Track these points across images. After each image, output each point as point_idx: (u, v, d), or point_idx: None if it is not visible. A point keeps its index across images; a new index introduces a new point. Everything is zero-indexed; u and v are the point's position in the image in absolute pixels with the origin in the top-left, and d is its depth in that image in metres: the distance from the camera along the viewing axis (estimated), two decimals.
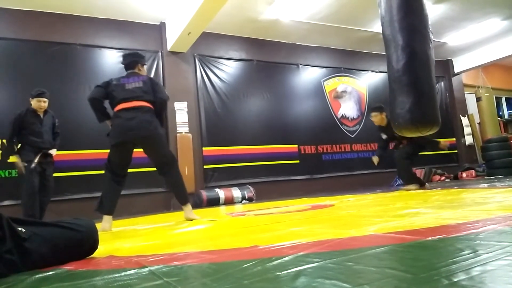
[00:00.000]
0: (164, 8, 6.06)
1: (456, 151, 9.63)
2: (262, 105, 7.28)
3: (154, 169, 3.31)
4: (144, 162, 3.29)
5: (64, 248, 1.43)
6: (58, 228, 1.45)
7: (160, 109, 3.20)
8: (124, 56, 3.38)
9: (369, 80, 8.72)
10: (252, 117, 7.11)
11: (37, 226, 1.42)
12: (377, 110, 4.77)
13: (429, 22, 2.35)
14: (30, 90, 4.68)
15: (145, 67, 3.43)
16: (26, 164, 4.23)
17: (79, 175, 5.48)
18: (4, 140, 4.88)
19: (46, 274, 1.28)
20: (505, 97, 11.65)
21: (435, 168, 8.31)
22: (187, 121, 6.38)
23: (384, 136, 4.87)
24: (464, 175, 8.06)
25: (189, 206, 3.23)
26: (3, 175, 4.97)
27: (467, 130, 9.74)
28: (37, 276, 1.25)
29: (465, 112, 9.92)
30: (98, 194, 5.48)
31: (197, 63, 6.78)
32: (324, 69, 8.16)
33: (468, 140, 9.72)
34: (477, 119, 10.06)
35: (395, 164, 4.95)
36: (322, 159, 7.74)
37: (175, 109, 6.29)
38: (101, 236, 1.62)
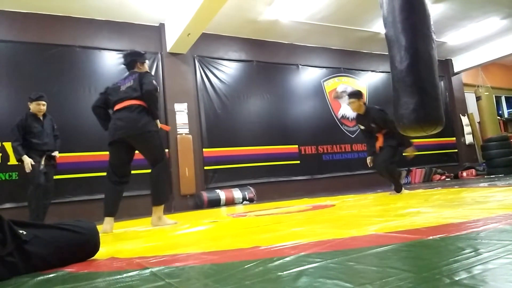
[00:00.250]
0: (163, 10, 6.06)
1: (456, 150, 9.64)
2: (262, 105, 7.28)
3: None
4: (144, 163, 3.27)
5: (65, 250, 1.43)
6: (60, 230, 1.45)
7: (148, 102, 3.08)
8: (124, 56, 3.39)
9: (369, 80, 8.73)
10: (252, 118, 7.11)
11: (38, 228, 1.42)
12: (354, 96, 4.48)
13: (431, 22, 2.36)
14: (29, 92, 4.68)
15: (147, 63, 3.39)
16: (32, 167, 4.26)
17: (79, 177, 5.48)
18: (4, 143, 4.90)
19: (47, 276, 1.28)
20: (505, 96, 11.65)
21: (436, 168, 8.33)
22: (187, 122, 6.38)
23: (361, 127, 4.57)
24: (464, 174, 8.07)
25: (158, 211, 3.10)
26: (3, 178, 4.97)
27: (467, 129, 9.74)
28: (39, 278, 1.25)
29: (465, 112, 9.92)
30: (99, 196, 5.54)
31: (197, 64, 6.78)
32: (324, 69, 8.16)
33: (468, 139, 9.72)
34: (477, 118, 10.06)
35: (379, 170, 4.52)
36: (322, 160, 7.74)
37: (175, 110, 6.29)
38: (102, 238, 1.62)
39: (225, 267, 1.18)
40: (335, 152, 7.90)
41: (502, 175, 6.77)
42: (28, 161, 4.20)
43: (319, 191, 7.08)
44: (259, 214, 3.41)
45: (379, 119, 4.24)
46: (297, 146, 7.42)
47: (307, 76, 7.94)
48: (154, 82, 3.10)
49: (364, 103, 4.48)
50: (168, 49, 6.32)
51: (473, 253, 0.99)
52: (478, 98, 9.88)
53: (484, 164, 8.23)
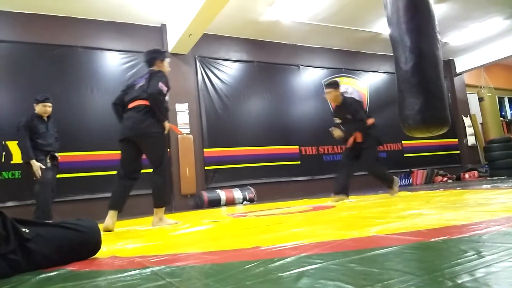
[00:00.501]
0: (165, 10, 6.09)
1: (458, 151, 9.62)
2: (263, 106, 7.28)
3: None
4: (145, 163, 3.28)
5: (67, 249, 1.44)
6: (62, 228, 1.46)
7: (152, 104, 3.07)
8: (145, 54, 3.43)
9: (370, 80, 8.72)
10: (253, 118, 7.11)
11: (40, 226, 1.43)
12: (331, 86, 4.27)
13: (436, 23, 2.35)
14: (32, 93, 4.72)
15: (167, 61, 3.38)
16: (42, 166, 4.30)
17: (81, 176, 5.51)
18: (7, 142, 4.92)
19: (49, 274, 1.28)
20: (508, 97, 11.63)
21: (437, 169, 8.31)
22: (188, 122, 6.39)
23: (337, 121, 4.36)
24: (466, 176, 8.05)
25: (159, 212, 3.12)
26: (6, 176, 4.98)
27: (469, 130, 9.72)
28: (41, 276, 1.25)
29: (467, 113, 9.90)
30: (101, 195, 5.60)
31: (198, 64, 6.79)
32: (325, 69, 8.16)
33: (471, 140, 9.70)
34: (479, 120, 10.03)
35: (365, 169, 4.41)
36: (323, 160, 7.73)
37: (176, 110, 6.30)
38: (103, 236, 1.63)
39: (226, 267, 1.18)
40: (336, 152, 7.89)
41: (505, 177, 6.74)
42: (37, 166, 4.23)
43: (319, 191, 7.07)
44: (260, 214, 3.40)
45: (354, 108, 4.17)
46: (297, 146, 7.41)
47: (308, 76, 7.93)
48: (160, 85, 3.06)
49: (341, 94, 4.30)
50: (170, 49, 6.34)
51: (475, 255, 0.98)
52: (480, 99, 9.85)
53: (486, 165, 8.21)
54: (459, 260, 0.95)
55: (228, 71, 7.05)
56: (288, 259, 1.17)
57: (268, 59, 7.47)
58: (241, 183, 6.58)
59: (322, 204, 3.89)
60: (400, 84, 2.37)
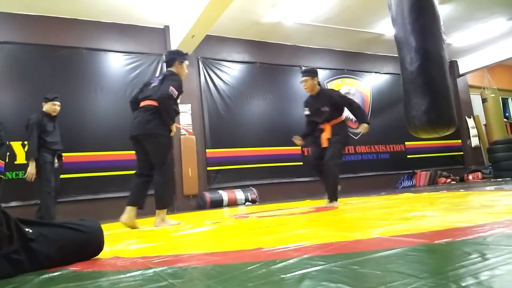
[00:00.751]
0: (168, 12, 6.12)
1: (462, 153, 9.58)
2: (265, 107, 7.28)
3: None
4: None
5: (70, 249, 1.44)
6: (65, 229, 1.46)
7: (161, 106, 3.12)
8: (166, 54, 3.50)
9: (373, 81, 8.71)
10: (255, 119, 7.11)
11: (44, 227, 1.43)
12: (308, 73, 3.93)
13: (441, 23, 2.34)
14: (36, 94, 4.76)
15: (186, 63, 3.42)
16: (45, 165, 4.33)
17: (85, 176, 5.53)
18: (12, 143, 4.95)
19: (52, 274, 1.28)
20: None
21: (441, 170, 8.28)
22: (190, 123, 6.41)
23: (307, 112, 4.01)
24: (470, 177, 8.02)
25: (161, 213, 3.14)
26: (10, 177, 5.00)
27: (472, 131, 9.68)
28: (44, 276, 1.26)
29: (470, 114, 9.86)
30: (104, 196, 5.61)
31: (201, 65, 6.81)
32: (327, 70, 8.16)
33: (474, 142, 9.65)
34: (483, 121, 9.99)
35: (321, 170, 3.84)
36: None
37: (179, 111, 6.31)
38: (106, 237, 1.63)
39: (228, 269, 1.18)
40: None
41: (509, 178, 6.71)
42: (32, 170, 4.26)
43: (322, 193, 7.00)
44: (262, 215, 3.40)
45: (336, 96, 3.90)
46: (300, 147, 7.40)
47: None
48: (170, 88, 3.09)
49: (318, 83, 3.99)
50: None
51: (479, 258, 0.98)
52: (484, 100, 9.80)
53: (490, 167, 8.17)
54: (463, 263, 0.94)
55: (230, 72, 7.06)
56: (290, 261, 1.17)
57: (271, 60, 7.48)
58: (243, 184, 6.58)
59: (324, 205, 3.87)
60: (405, 85, 2.36)
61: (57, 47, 5.72)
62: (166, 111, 3.12)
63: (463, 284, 0.77)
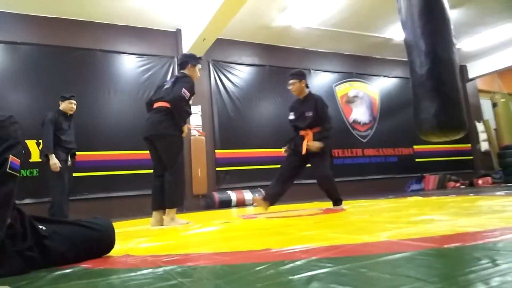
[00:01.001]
0: (180, 16, 6.20)
1: (471, 157, 9.49)
2: (274, 109, 7.29)
3: None
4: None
5: (82, 247, 1.46)
6: (77, 226, 1.48)
7: (173, 108, 3.17)
8: (180, 57, 3.59)
9: (381, 85, 8.67)
10: (264, 120, 7.13)
11: (57, 224, 1.45)
12: (295, 76, 3.76)
13: (452, 26, 2.32)
14: (52, 93, 4.86)
15: (198, 67, 3.47)
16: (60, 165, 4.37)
17: (97, 175, 5.60)
18: (27, 141, 5.03)
19: (64, 271, 1.30)
20: None
21: (450, 175, 8.20)
22: (201, 124, 6.46)
23: (291, 117, 3.88)
24: (480, 182, 7.92)
25: (170, 213, 3.16)
26: (24, 174, 5.09)
27: (482, 136, 9.57)
28: (56, 273, 1.28)
29: (480, 118, 9.76)
30: (116, 194, 5.69)
31: (211, 68, 6.86)
32: (336, 74, 8.15)
33: (484, 146, 9.54)
34: (493, 125, 9.88)
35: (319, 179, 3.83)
36: (333, 164, 7.69)
37: (191, 112, 6.38)
38: (117, 235, 1.65)
39: (236, 269, 1.19)
40: (346, 156, 7.86)
41: None
42: (55, 161, 4.30)
43: None
44: (270, 216, 3.41)
45: (321, 103, 3.72)
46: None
47: (319, 80, 7.93)
48: (183, 90, 3.14)
49: (307, 86, 3.84)
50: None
51: (490, 264, 0.96)
52: (494, 105, 9.70)
53: (501, 172, 8.06)
54: (473, 268, 0.93)
55: (240, 75, 7.10)
56: (298, 262, 1.17)
57: (280, 63, 7.49)
58: (251, 184, 6.59)
59: (332, 207, 3.87)
60: (415, 88, 2.34)
61: (73, 48, 5.83)
62: (178, 112, 3.17)
63: None
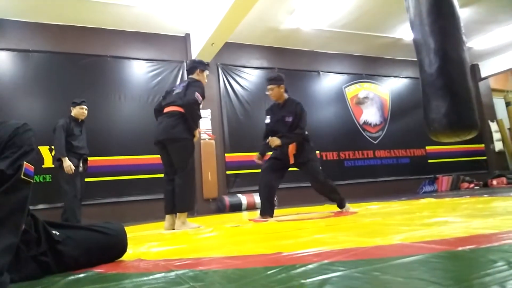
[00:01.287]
0: (189, 21, 6.26)
1: (485, 157, 9.34)
2: None
3: None
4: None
5: (95, 251, 1.47)
6: (90, 231, 1.49)
7: (187, 112, 3.22)
8: (188, 62, 3.64)
9: (392, 85, 8.61)
10: None
11: (70, 229, 1.47)
12: (273, 81, 3.65)
13: (462, 24, 2.28)
14: (64, 100, 4.94)
15: (206, 73, 3.53)
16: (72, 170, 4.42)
17: (109, 180, 5.66)
18: (40, 147, 5.11)
19: (78, 276, 1.31)
20: None
21: (463, 175, 8.09)
22: (210, 128, 6.48)
23: (267, 121, 3.76)
24: (494, 182, 7.79)
25: (181, 217, 3.18)
26: (38, 180, 5.17)
27: (496, 135, 9.43)
28: (70, 278, 1.29)
29: (493, 118, 9.61)
30: (128, 199, 5.75)
31: (220, 72, 6.90)
32: (345, 75, 8.12)
33: (498, 146, 9.39)
34: (507, 125, 9.72)
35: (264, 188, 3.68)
36: (344, 166, 7.66)
37: (201, 116, 6.42)
38: (129, 239, 1.66)
39: (248, 273, 1.19)
40: (357, 158, 7.82)
41: None
42: (69, 163, 4.36)
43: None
44: (281, 219, 3.40)
45: (300, 108, 3.61)
46: (318, 152, 7.36)
47: (328, 82, 7.91)
48: (196, 94, 3.21)
49: (286, 91, 3.74)
50: (193, 58, 6.46)
51: (506, 266, 0.94)
52: (508, 104, 9.55)
53: None
54: (488, 271, 0.92)
55: (249, 78, 7.12)
56: (310, 266, 1.16)
57: (289, 66, 7.49)
58: None
59: (340, 210, 3.84)
60: (424, 87, 2.31)
61: (84, 55, 5.93)
62: (192, 116, 3.23)
63: None
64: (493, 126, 9.47)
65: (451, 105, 2.15)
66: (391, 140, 8.20)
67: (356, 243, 1.58)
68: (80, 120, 4.70)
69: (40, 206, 5.08)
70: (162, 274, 1.24)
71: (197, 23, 6.24)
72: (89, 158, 4.85)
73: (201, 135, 6.33)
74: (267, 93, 3.77)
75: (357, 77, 8.25)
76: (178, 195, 3.19)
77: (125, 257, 1.62)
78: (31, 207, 1.31)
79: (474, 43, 8.22)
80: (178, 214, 3.19)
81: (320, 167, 3.74)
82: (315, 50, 7.87)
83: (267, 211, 3.62)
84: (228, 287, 1.02)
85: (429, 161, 8.55)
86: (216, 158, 6.41)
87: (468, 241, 1.40)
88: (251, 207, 6.10)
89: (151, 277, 1.22)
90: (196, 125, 3.29)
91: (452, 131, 2.15)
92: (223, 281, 1.11)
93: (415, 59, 2.50)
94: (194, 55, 6.42)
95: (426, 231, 1.78)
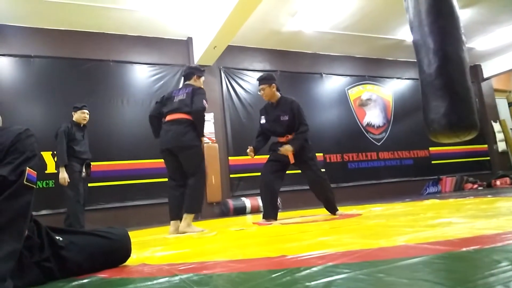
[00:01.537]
0: (191, 24, 6.28)
1: (488, 158, 9.31)
2: None
3: None
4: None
5: (99, 256, 1.47)
6: (94, 236, 1.49)
7: (196, 119, 3.27)
8: (185, 68, 3.64)
9: (395, 87, 8.60)
10: None
11: (73, 234, 1.47)
12: (264, 81, 3.60)
13: (461, 24, 2.28)
14: (66, 105, 4.96)
15: (203, 79, 3.57)
16: (73, 174, 4.43)
17: (112, 185, 5.68)
18: (42, 153, 5.12)
19: (81, 281, 1.31)
20: None
21: (467, 176, 8.05)
22: (213, 131, 6.49)
23: (263, 121, 3.73)
24: (498, 182, 7.75)
25: (188, 218, 3.20)
26: (41, 186, 5.19)
27: (499, 136, 9.40)
28: (73, 283, 1.29)
29: (496, 118, 9.58)
30: (131, 203, 5.74)
31: (223, 75, 6.92)
32: (348, 77, 8.12)
33: (501, 146, 9.36)
34: (509, 125, 9.69)
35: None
36: (348, 168, 7.65)
37: None
38: (133, 244, 1.66)
39: (252, 276, 1.18)
40: (360, 160, 7.80)
41: None
42: (64, 175, 4.36)
43: (344, 199, 6.96)
44: (285, 222, 3.40)
45: (297, 106, 3.57)
46: (322, 154, 7.36)
47: (331, 84, 7.91)
48: (204, 101, 3.27)
49: (278, 89, 3.70)
50: (196, 61, 6.49)
51: (510, 266, 0.94)
52: (510, 104, 9.52)
53: None
54: (492, 271, 0.91)
55: (251, 81, 7.12)
56: (314, 268, 1.16)
57: (291, 68, 7.51)
58: None
59: (347, 212, 3.83)
60: (423, 87, 2.30)
61: (86, 60, 5.95)
62: (201, 123, 3.31)
63: None
64: (496, 126, 9.44)
65: (450, 105, 2.13)
66: (394, 141, 8.18)
67: (360, 245, 1.58)
68: (82, 125, 4.71)
69: (43, 212, 5.09)
70: (166, 279, 1.24)
71: (199, 27, 6.26)
72: (92, 163, 4.86)
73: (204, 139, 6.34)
74: (259, 93, 3.76)
75: (360, 79, 8.25)
76: (189, 196, 3.22)
77: (129, 262, 1.62)
78: (34, 213, 1.31)
79: (476, 43, 8.21)
80: (185, 215, 3.20)
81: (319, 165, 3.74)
82: (317, 53, 7.88)
83: (270, 214, 3.61)
84: None
85: (433, 162, 8.52)
86: (220, 161, 6.42)
87: (472, 242, 1.39)
88: (255, 210, 6.09)
89: (155, 281, 1.22)
90: (203, 132, 3.36)
91: (452, 132, 2.13)
92: (228, 284, 1.11)
93: None
94: (197, 59, 6.44)
95: (430, 232, 1.78)
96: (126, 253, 1.60)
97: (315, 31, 6.89)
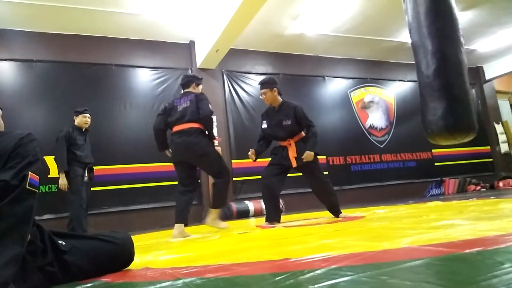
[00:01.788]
0: (193, 28, 6.29)
1: (491, 159, 9.27)
2: None
3: None
4: (173, 176, 3.41)
5: (102, 261, 1.47)
6: (97, 241, 1.49)
7: (206, 125, 3.34)
8: (183, 77, 3.69)
9: (397, 89, 8.59)
10: None
11: (76, 239, 1.47)
12: (266, 85, 3.61)
13: (460, 26, 2.28)
14: (69, 109, 4.96)
15: (201, 87, 3.60)
16: (75, 179, 4.44)
17: (115, 188, 5.68)
18: (44, 157, 5.14)
19: (84, 286, 1.32)
20: None
21: (470, 178, 8.02)
22: (216, 134, 6.49)
23: (264, 125, 3.74)
24: (501, 184, 7.71)
25: (214, 213, 3.35)
26: (43, 190, 5.19)
27: (501, 137, 9.37)
28: None
29: (499, 119, 9.56)
30: (133, 207, 5.74)
31: (225, 78, 6.92)
32: (350, 80, 8.12)
33: (504, 148, 9.33)
34: None
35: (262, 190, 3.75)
36: (351, 170, 7.63)
37: None
38: (136, 248, 1.66)
39: (256, 279, 1.18)
40: (363, 162, 7.79)
41: None
42: (64, 181, 4.38)
43: (348, 202, 6.95)
44: (288, 225, 3.39)
45: (301, 110, 3.59)
46: (325, 157, 7.35)
47: (334, 87, 7.91)
48: (210, 106, 3.33)
49: (280, 93, 3.68)
50: (198, 65, 6.51)
51: None
52: None
53: None
54: (495, 273, 0.91)
55: (254, 84, 7.12)
56: (318, 271, 1.16)
57: (294, 71, 7.51)
58: None
59: (350, 214, 3.83)
60: (422, 89, 2.30)
61: (88, 64, 5.96)
62: (210, 128, 3.39)
63: None
64: (499, 128, 9.42)
65: (448, 107, 2.12)
66: (397, 143, 8.17)
67: (363, 248, 1.58)
68: (83, 129, 4.72)
69: (46, 216, 5.08)
70: (170, 283, 1.24)
71: (201, 30, 6.27)
72: (95, 167, 4.87)
73: None
74: (260, 97, 3.77)
75: (362, 82, 8.25)
76: (216, 192, 3.39)
77: (132, 266, 1.62)
78: (36, 217, 1.31)
79: (478, 45, 8.19)
80: (211, 210, 3.36)
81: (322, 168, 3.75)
82: (319, 55, 7.89)
83: (273, 217, 3.62)
84: None
85: (436, 164, 8.50)
86: None
87: (475, 244, 1.39)
88: (258, 213, 6.08)
89: (158, 285, 1.22)
90: (214, 135, 3.45)
91: (449, 134, 2.12)
92: None
93: None
94: (199, 62, 6.46)
95: (433, 234, 1.77)
96: (129, 257, 1.60)
97: (317, 34, 6.91)
